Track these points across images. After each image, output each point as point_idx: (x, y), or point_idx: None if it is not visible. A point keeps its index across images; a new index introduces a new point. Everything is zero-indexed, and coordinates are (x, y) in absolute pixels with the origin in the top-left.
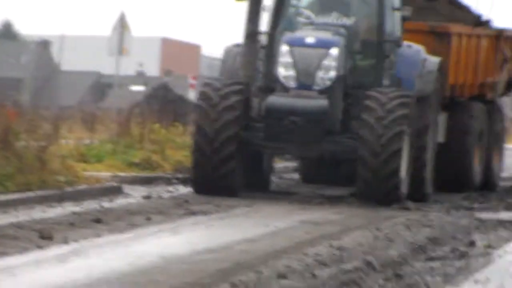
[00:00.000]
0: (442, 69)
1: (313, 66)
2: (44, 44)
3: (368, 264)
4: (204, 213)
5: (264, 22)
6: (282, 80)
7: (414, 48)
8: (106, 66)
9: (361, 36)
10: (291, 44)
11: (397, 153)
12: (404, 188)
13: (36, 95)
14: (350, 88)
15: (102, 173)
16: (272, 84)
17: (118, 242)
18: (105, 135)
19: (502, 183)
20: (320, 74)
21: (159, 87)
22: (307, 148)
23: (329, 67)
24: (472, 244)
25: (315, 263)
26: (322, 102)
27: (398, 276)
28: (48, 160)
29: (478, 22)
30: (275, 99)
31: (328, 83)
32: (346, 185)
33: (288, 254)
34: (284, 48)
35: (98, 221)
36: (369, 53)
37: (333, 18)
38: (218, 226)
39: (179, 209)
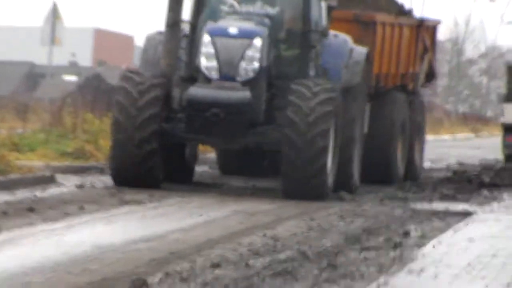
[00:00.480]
0: (369, 59)
1: (236, 57)
2: None
3: (302, 254)
4: (138, 202)
5: (187, 11)
6: (204, 70)
7: (340, 38)
8: (39, 56)
9: (285, 25)
10: (213, 34)
11: (323, 151)
12: (330, 184)
13: None
14: (274, 78)
15: (35, 163)
16: (195, 75)
17: (52, 231)
18: (38, 125)
19: (436, 174)
20: (243, 65)
21: (92, 77)
22: (230, 140)
23: (253, 58)
24: (406, 234)
25: (249, 253)
26: (245, 94)
27: (333, 266)
28: None
29: (401, 11)
30: (197, 91)
31: (251, 74)
32: (267, 176)
33: (222, 243)
34: (206, 38)
35: (31, 210)
36: (294, 43)
37: (257, 7)
38: (151, 216)
39: (112, 199)
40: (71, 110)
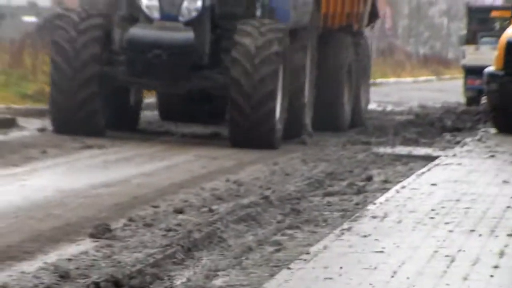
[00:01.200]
0: None
1: None
2: None
3: (266, 199)
4: (100, 147)
5: None
6: (145, 10)
7: None
8: None
9: None
10: None
11: (271, 94)
12: (280, 131)
13: None
14: (219, 19)
15: None
16: (136, 14)
17: (14, 175)
18: None
19: (398, 117)
20: (186, 4)
21: (51, 18)
22: (174, 84)
23: None
24: (369, 179)
25: (212, 197)
26: (188, 34)
27: (296, 211)
28: None
29: None
30: (137, 31)
31: (194, 14)
32: (209, 122)
33: (185, 188)
34: None
35: None
36: None
37: None
38: (113, 160)
39: (75, 143)
40: (31, 51)
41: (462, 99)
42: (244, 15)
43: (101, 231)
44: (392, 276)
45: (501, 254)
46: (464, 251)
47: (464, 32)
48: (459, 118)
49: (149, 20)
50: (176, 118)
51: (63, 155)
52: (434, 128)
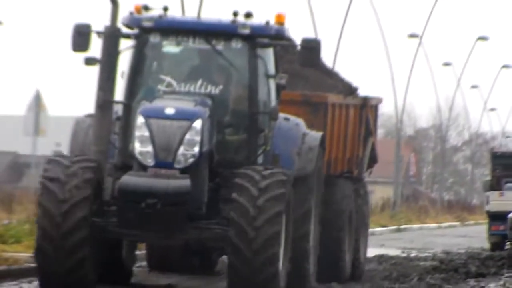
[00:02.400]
0: (323, 144)
1: (173, 141)
2: None
3: None
4: None
5: (120, 90)
6: (139, 156)
7: (292, 121)
8: (24, 145)
9: (230, 106)
10: (148, 115)
11: (275, 237)
12: (282, 281)
13: None
14: (218, 166)
15: (21, 254)
16: (129, 162)
17: None
18: (23, 215)
19: (422, 263)
20: (182, 150)
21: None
22: (169, 235)
23: (192, 142)
24: None
25: None
26: (184, 182)
27: None
28: None
29: (349, 90)
30: (129, 179)
31: (191, 160)
32: (199, 273)
33: None
34: (140, 120)
35: None
36: (240, 126)
37: (198, 86)
38: None
39: None
40: None
41: (486, 244)
42: (245, 162)
43: None
44: None
45: None
46: None
47: (488, 178)
48: (483, 263)
49: (143, 167)
50: (166, 268)
51: None
52: (458, 274)
